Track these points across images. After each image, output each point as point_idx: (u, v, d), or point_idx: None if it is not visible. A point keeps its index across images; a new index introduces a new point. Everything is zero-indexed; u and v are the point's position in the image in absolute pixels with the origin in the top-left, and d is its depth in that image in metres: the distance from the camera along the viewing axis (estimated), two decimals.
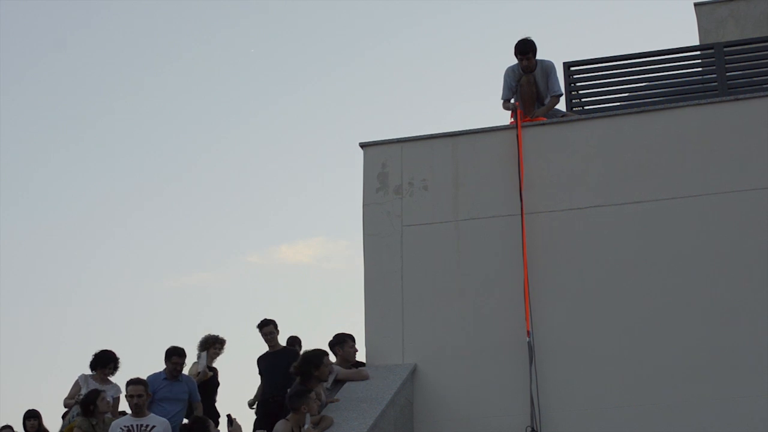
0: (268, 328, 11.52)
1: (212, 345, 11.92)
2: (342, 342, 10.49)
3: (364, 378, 10.16)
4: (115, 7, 32.56)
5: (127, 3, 32.40)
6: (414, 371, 10.32)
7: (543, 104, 11.19)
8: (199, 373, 11.52)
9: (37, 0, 31.81)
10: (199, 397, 11.05)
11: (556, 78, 11.21)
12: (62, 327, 29.72)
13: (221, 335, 12.03)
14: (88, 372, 11.01)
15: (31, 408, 12.59)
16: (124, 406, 10.72)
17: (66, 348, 28.59)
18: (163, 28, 33.37)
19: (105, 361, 10.98)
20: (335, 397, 9.85)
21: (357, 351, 10.60)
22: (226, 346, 12.09)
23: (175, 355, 10.87)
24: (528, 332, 10.04)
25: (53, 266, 30.85)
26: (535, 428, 9.81)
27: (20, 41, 32.12)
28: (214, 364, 11.98)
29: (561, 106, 11.64)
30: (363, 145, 11.19)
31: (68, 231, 32.26)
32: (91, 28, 32.69)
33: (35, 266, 30.27)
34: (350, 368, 10.42)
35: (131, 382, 9.83)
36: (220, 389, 12.01)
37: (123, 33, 32.47)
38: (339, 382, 10.21)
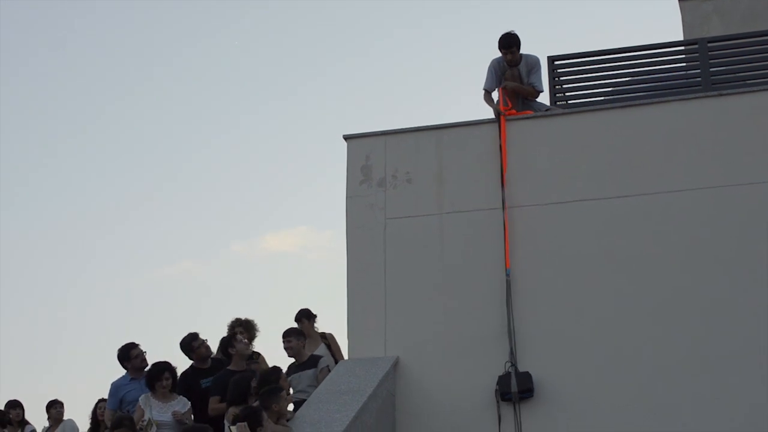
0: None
1: (231, 330, 11.06)
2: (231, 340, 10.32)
3: None
4: (115, 7, 32.54)
5: (127, 3, 32.38)
6: (396, 363, 10.32)
7: (526, 99, 11.15)
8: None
9: (37, 0, 31.77)
10: None
11: (539, 74, 11.17)
12: (48, 321, 29.71)
13: (244, 316, 11.27)
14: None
15: (13, 399, 12.57)
16: None
17: (50, 342, 28.57)
18: (162, 28, 33.36)
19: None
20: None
21: (247, 345, 10.49)
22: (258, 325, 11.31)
23: (132, 349, 10.21)
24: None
25: (40, 262, 30.84)
26: (513, 362, 9.91)
27: (20, 41, 32.06)
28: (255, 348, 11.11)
29: (545, 100, 11.65)
30: (347, 138, 11.16)
31: (51, 225, 32.24)
32: (91, 28, 32.65)
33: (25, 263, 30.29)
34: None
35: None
36: None
37: (123, 33, 32.46)
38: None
